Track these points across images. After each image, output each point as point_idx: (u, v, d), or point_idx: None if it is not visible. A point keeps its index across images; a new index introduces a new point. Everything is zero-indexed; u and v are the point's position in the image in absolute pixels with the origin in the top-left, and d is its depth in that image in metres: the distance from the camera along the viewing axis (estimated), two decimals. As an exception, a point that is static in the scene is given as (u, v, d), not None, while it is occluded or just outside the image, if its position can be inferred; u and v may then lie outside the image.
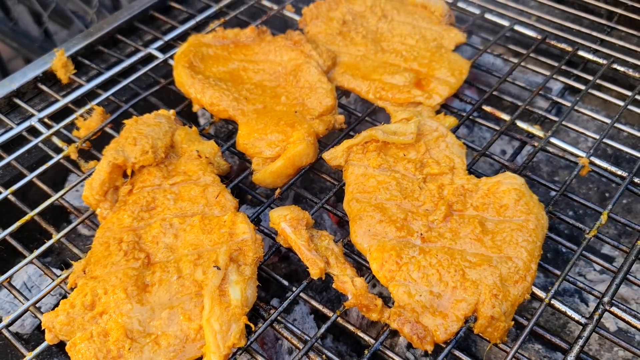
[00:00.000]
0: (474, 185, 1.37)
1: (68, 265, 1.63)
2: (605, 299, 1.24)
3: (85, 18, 2.76)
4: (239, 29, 1.78)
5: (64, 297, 1.34)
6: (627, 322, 1.22)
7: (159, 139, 1.43)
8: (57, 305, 1.58)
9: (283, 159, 1.44)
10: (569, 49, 1.84)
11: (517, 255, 1.24)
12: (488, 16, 1.97)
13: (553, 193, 1.44)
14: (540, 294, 1.26)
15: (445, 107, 1.66)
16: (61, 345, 1.22)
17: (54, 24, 3.06)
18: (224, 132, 1.99)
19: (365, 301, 1.20)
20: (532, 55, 1.82)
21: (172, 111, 1.55)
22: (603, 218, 1.38)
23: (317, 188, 1.84)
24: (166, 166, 1.43)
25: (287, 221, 1.31)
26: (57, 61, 1.80)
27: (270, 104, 1.58)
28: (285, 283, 1.31)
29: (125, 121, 1.48)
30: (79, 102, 1.74)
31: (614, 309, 1.23)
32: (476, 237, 1.28)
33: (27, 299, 1.32)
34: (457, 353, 1.18)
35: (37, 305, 1.33)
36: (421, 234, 1.28)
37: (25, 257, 1.38)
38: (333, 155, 1.46)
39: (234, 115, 1.56)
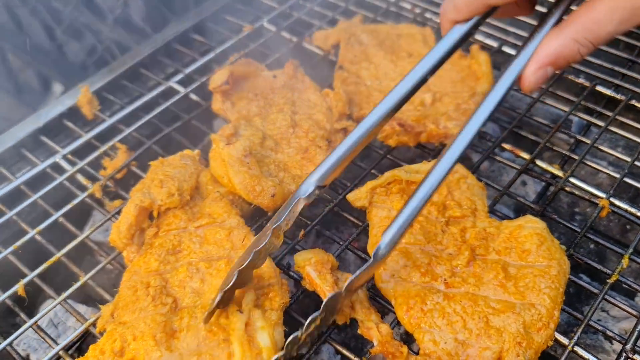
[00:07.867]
0: (495, 228, 1.39)
1: (92, 299, 1.65)
2: (628, 346, 1.25)
3: (100, 34, 2.77)
4: None
5: (87, 331, 1.36)
6: (653, 371, 1.23)
7: (185, 181, 1.45)
8: (80, 339, 1.61)
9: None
10: (587, 84, 1.84)
11: (540, 302, 1.25)
12: (505, 49, 1.98)
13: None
14: (564, 340, 1.27)
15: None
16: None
17: (67, 36, 3.09)
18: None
19: (391, 348, 1.22)
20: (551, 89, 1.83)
21: (196, 151, 1.57)
22: (624, 262, 1.39)
23: (340, 221, 1.84)
24: (191, 208, 1.45)
25: (311, 265, 1.32)
26: (83, 97, 1.82)
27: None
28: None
29: (151, 163, 1.50)
30: (103, 137, 1.76)
31: (636, 357, 1.24)
32: (499, 282, 1.29)
33: (56, 343, 1.33)
34: (482, 401, 1.19)
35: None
36: (445, 280, 1.29)
37: (52, 296, 1.41)
38: (357, 197, 1.48)
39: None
